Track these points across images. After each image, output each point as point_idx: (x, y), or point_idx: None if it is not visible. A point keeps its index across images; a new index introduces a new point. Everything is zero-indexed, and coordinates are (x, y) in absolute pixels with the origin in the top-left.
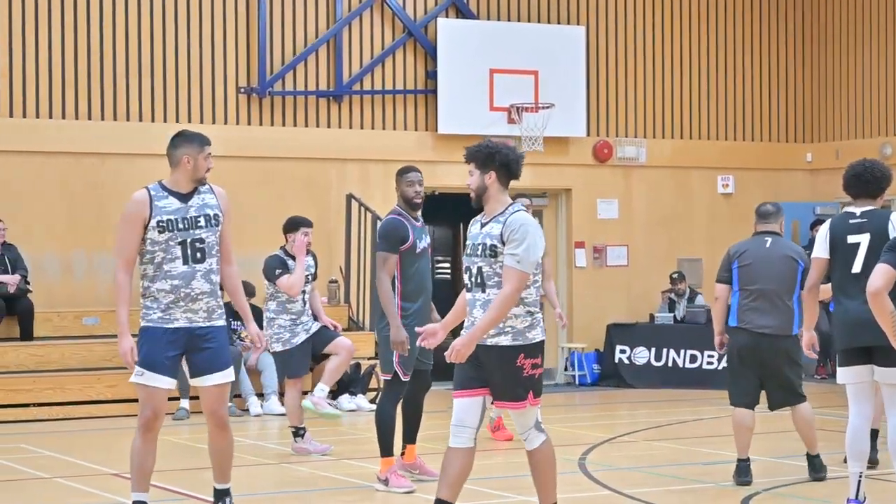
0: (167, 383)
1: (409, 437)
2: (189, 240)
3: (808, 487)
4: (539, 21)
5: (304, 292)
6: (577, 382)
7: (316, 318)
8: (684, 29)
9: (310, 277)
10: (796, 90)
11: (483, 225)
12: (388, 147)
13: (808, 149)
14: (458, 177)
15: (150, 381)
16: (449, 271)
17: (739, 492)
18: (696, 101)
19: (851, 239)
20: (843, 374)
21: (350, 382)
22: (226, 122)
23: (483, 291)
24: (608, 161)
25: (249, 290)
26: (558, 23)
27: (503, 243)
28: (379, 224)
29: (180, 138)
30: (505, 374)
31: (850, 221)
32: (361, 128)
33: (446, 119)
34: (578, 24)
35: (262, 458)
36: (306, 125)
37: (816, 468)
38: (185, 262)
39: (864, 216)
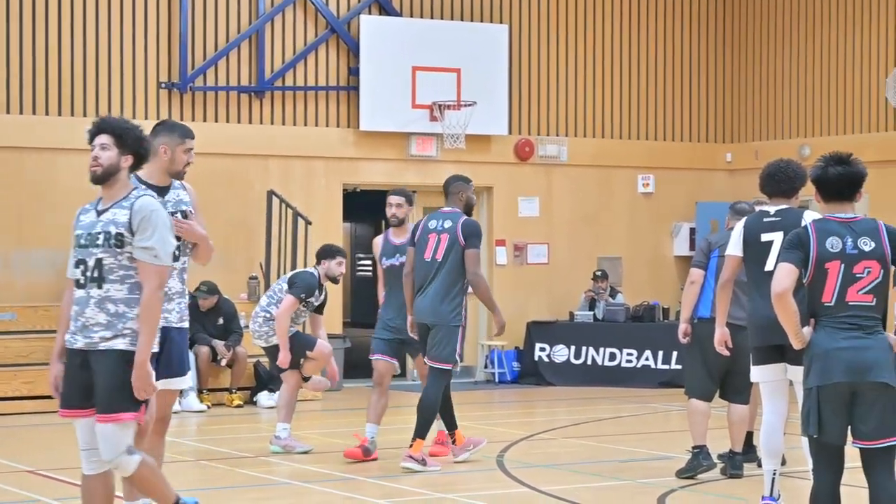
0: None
1: (452, 424)
2: None
3: (724, 485)
4: (462, 19)
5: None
6: (496, 380)
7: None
8: (606, 29)
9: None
10: (716, 91)
11: (100, 212)
12: (309, 143)
13: (727, 149)
14: (381, 173)
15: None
16: (371, 269)
17: (657, 489)
18: (617, 101)
19: (765, 237)
20: (758, 372)
21: (269, 380)
22: (146, 118)
23: (99, 287)
24: (529, 159)
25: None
26: (481, 21)
27: (132, 233)
28: (464, 223)
29: (161, 126)
30: (115, 381)
31: (765, 220)
32: (283, 124)
33: (368, 116)
34: (501, 22)
35: (180, 455)
36: (228, 121)
37: (736, 465)
38: None
39: (777, 215)
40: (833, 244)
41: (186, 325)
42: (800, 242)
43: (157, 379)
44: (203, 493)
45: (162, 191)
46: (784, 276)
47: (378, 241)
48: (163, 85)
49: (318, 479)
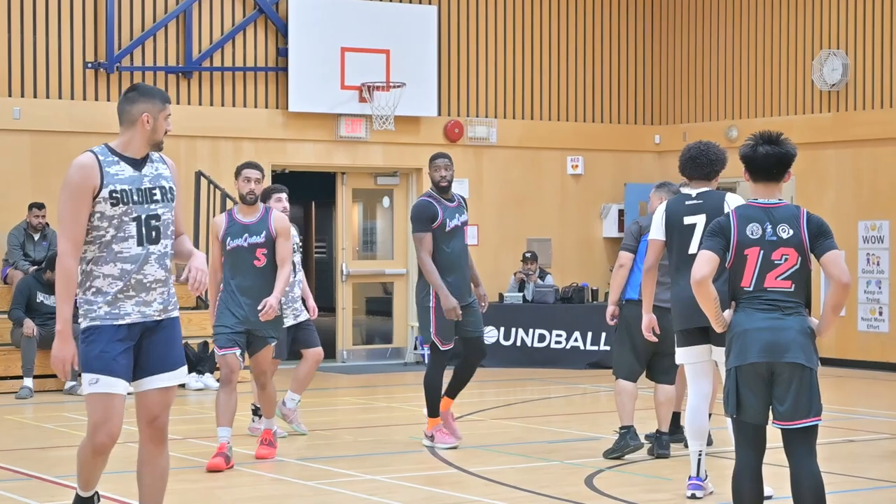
0: (125, 388)
1: (451, 392)
2: (144, 216)
3: (651, 465)
4: (392, 0)
5: (294, 272)
6: (426, 361)
7: (303, 301)
8: (535, 10)
9: (294, 248)
10: (645, 73)
11: None
12: (238, 124)
13: (656, 131)
14: (311, 154)
15: (108, 388)
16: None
17: (584, 469)
18: (546, 83)
19: (688, 220)
20: (683, 354)
21: (198, 361)
22: (73, 98)
23: None
24: (459, 141)
25: None
26: (410, 2)
27: None
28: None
29: (137, 92)
30: None
31: (687, 203)
32: (211, 105)
33: (297, 97)
34: (430, 3)
35: None
36: None
37: (663, 445)
38: (140, 243)
39: (699, 197)
40: (753, 230)
41: (175, 313)
42: (721, 229)
43: (141, 377)
44: (127, 476)
45: (139, 163)
46: (704, 264)
47: (221, 221)
48: (89, 65)
49: (245, 462)
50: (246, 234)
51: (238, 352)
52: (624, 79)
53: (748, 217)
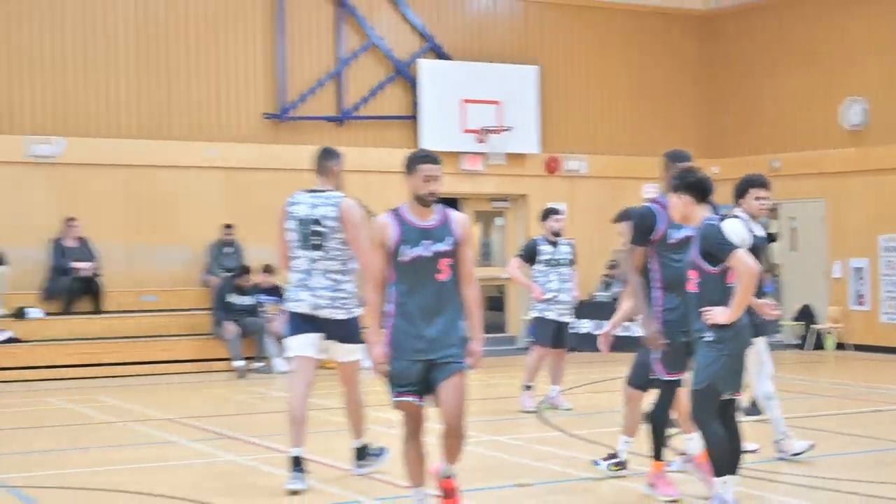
0: None
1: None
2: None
3: None
4: (502, 62)
5: (560, 277)
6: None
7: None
8: (615, 66)
9: (566, 261)
10: (706, 115)
11: None
12: (380, 162)
13: (714, 163)
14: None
15: None
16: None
17: None
18: (627, 124)
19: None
20: None
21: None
22: (252, 142)
23: None
24: (557, 172)
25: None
26: (516, 63)
27: None
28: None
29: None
30: None
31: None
32: (359, 146)
33: (427, 139)
34: (532, 63)
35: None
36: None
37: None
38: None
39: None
40: None
41: None
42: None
43: None
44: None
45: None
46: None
47: (388, 223)
48: (266, 115)
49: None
50: (427, 241)
51: (421, 401)
52: (690, 120)
53: None
